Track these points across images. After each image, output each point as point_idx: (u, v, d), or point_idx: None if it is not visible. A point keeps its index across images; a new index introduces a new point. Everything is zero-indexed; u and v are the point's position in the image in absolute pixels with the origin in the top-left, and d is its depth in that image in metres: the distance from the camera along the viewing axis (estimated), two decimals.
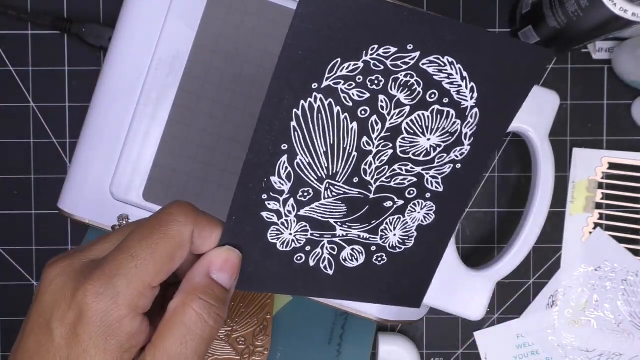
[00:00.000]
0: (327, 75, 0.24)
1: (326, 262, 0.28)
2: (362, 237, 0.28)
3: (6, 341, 0.49)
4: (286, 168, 0.26)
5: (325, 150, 0.26)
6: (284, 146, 0.25)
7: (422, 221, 0.29)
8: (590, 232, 0.48)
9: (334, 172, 0.26)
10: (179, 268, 0.25)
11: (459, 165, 0.28)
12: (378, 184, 0.27)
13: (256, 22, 0.41)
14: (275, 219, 0.27)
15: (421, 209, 0.28)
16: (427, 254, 0.30)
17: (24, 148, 0.48)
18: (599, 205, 0.48)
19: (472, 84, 0.26)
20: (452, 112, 0.26)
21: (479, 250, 0.49)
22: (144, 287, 0.23)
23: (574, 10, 0.38)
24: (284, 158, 0.25)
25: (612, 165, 0.48)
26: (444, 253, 0.30)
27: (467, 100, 0.26)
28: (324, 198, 0.27)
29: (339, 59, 0.24)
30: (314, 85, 0.25)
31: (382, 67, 0.25)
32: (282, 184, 0.26)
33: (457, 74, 0.26)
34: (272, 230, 0.27)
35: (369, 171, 0.27)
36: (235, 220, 0.26)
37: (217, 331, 0.25)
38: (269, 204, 0.26)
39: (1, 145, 0.48)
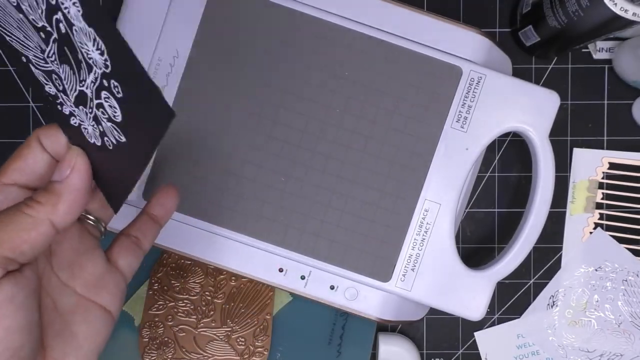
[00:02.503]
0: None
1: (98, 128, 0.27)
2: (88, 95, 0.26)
3: None
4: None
5: (18, 26, 0.26)
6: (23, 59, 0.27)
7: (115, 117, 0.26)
8: (591, 232, 0.48)
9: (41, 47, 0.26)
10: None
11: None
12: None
13: (256, 22, 0.41)
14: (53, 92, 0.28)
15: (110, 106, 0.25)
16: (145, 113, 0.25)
17: None
18: (599, 205, 0.48)
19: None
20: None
21: (479, 250, 0.49)
22: None
23: (574, 10, 0.38)
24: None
25: (613, 165, 0.48)
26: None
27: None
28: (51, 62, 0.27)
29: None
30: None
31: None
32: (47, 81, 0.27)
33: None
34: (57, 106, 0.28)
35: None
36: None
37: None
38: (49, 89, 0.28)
39: (1, 145, 0.48)
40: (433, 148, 0.41)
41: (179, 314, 0.47)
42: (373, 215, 0.41)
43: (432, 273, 0.41)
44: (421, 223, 0.41)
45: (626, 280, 0.48)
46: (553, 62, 0.48)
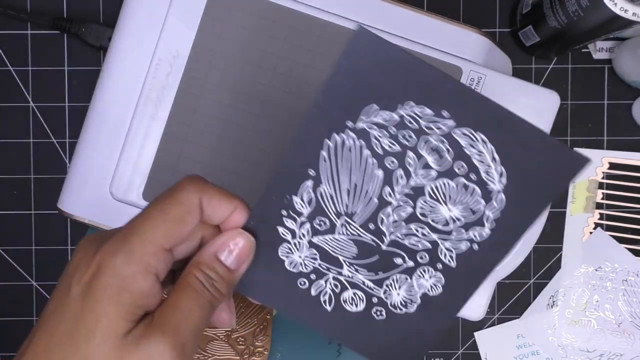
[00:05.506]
0: (361, 117, 0.26)
1: (327, 297, 0.29)
2: (366, 284, 0.29)
3: (5, 341, 0.49)
4: (309, 193, 0.27)
5: (348, 187, 0.27)
6: (311, 171, 0.27)
7: (428, 290, 0.28)
8: (591, 232, 0.48)
9: (352, 211, 0.27)
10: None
11: (476, 247, 0.27)
12: (392, 237, 0.28)
13: (256, 22, 0.41)
14: (289, 237, 0.28)
15: (429, 277, 0.28)
16: (425, 326, 0.29)
17: (23, 148, 0.48)
18: (599, 205, 0.48)
19: (502, 168, 0.26)
20: (477, 190, 0.26)
21: None
22: (156, 246, 0.25)
23: (574, 10, 0.38)
24: (309, 182, 0.27)
25: (613, 165, 0.48)
26: (443, 331, 0.29)
27: (494, 183, 0.26)
28: (338, 233, 0.28)
29: (375, 105, 0.25)
30: (349, 123, 0.26)
31: (416, 126, 0.26)
32: (302, 207, 0.27)
33: (488, 153, 0.26)
34: (284, 247, 0.28)
35: (385, 222, 0.27)
36: (251, 226, 0.28)
37: (217, 302, 0.26)
38: (286, 220, 0.28)
39: (1, 145, 0.48)
40: None
41: None
42: None
43: None
44: None
45: (626, 280, 0.48)
46: (553, 62, 0.48)
